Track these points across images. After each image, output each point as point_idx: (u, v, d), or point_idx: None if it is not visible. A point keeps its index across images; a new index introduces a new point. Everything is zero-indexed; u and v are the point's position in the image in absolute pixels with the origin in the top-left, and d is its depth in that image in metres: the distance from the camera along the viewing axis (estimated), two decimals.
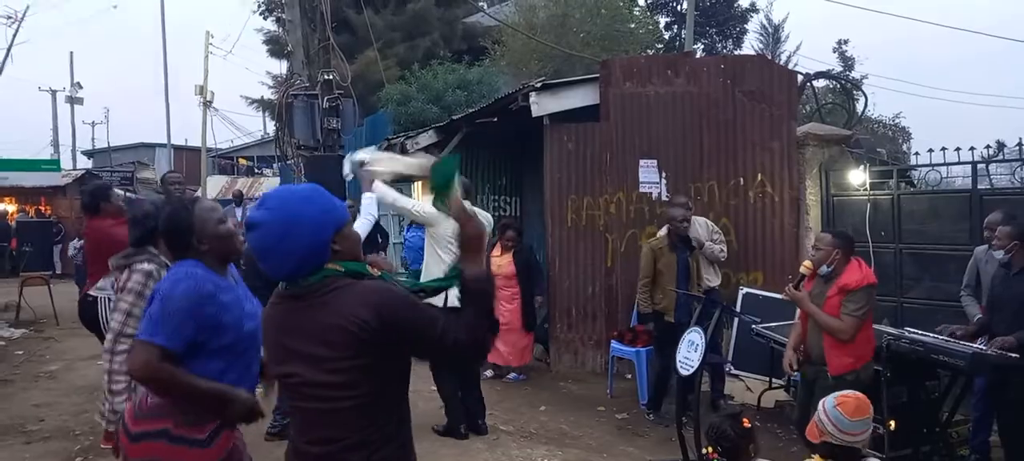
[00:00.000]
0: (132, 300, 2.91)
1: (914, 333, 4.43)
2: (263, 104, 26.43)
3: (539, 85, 7.00)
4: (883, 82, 33.67)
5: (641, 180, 7.05)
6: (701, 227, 6.27)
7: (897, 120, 20.63)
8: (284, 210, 1.77)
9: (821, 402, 2.80)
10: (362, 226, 3.92)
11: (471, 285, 1.80)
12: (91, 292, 4.77)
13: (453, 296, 1.89)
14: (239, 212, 11.27)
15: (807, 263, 4.20)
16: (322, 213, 1.80)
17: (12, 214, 18.27)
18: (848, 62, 25.09)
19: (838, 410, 2.69)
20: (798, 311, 4.30)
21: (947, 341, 4.21)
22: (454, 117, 8.62)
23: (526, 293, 6.63)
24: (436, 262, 4.83)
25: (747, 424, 2.79)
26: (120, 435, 2.31)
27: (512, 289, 6.59)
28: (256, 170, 30.16)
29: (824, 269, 4.05)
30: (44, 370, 7.09)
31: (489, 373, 6.74)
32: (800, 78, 8.44)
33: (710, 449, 2.76)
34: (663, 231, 6.06)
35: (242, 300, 2.44)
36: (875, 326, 4.89)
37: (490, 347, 1.85)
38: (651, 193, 7.04)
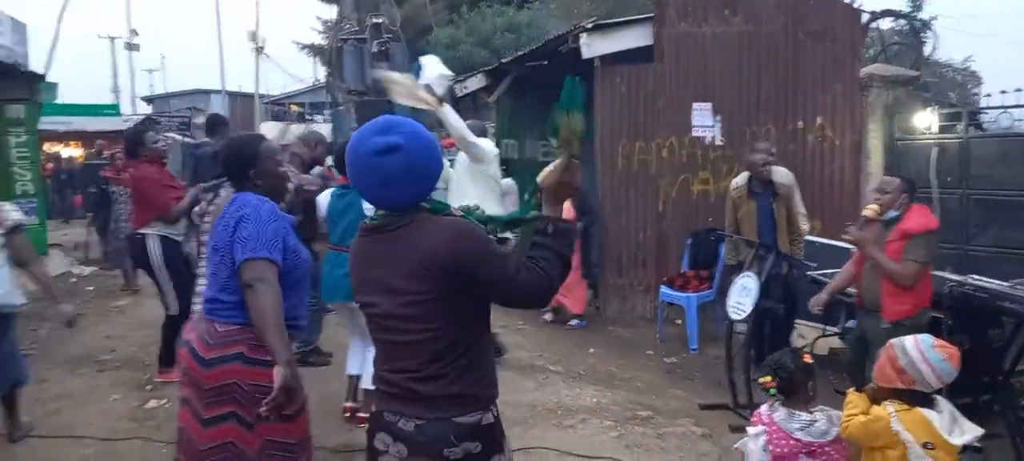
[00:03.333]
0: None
1: (979, 280, 4.28)
2: (314, 49, 26.65)
3: (590, 26, 6.85)
4: (953, 23, 31.88)
5: (694, 124, 6.90)
6: (783, 176, 5.42)
7: (967, 65, 19.55)
8: (422, 137, 1.79)
9: (910, 349, 2.54)
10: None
11: (557, 225, 1.81)
12: (141, 230, 4.94)
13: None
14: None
15: (873, 207, 4.04)
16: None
17: (79, 158, 18.82)
18: (916, 1, 23.78)
19: (948, 363, 2.51)
20: (853, 257, 4.21)
21: (1013, 287, 4.05)
22: (503, 60, 8.53)
23: (584, 240, 6.55)
24: (470, 199, 4.74)
25: (809, 359, 2.74)
26: (190, 365, 2.39)
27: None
28: (307, 116, 30.51)
29: (889, 214, 3.93)
30: (113, 305, 7.43)
31: (548, 317, 6.81)
32: (865, 17, 8.05)
33: (768, 378, 2.70)
34: (740, 178, 5.54)
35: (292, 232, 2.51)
36: (938, 273, 4.74)
37: (556, 292, 1.84)
38: (705, 137, 6.90)
